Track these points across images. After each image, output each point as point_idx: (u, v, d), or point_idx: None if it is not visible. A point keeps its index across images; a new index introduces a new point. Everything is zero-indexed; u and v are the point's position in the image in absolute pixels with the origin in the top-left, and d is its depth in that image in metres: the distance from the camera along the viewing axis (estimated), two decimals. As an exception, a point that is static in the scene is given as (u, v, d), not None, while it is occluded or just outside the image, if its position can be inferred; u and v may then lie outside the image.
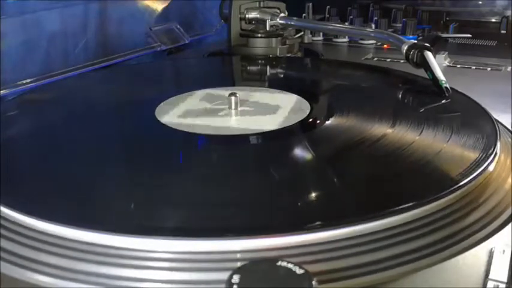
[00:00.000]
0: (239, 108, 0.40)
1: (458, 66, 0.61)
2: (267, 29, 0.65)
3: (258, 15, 0.66)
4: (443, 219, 0.25)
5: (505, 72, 0.58)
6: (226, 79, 0.57)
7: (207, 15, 0.85)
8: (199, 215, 0.26)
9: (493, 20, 0.91)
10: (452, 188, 0.27)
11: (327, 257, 0.22)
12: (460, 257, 0.23)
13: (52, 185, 0.29)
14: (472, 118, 0.37)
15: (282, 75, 0.58)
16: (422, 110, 0.40)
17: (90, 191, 0.29)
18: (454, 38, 0.77)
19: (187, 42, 0.77)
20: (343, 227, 0.24)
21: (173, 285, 0.21)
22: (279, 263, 0.19)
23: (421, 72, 0.47)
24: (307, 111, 0.39)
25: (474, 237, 0.24)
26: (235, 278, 0.18)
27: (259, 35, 0.64)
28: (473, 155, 0.31)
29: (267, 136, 0.35)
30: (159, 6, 0.75)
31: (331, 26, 0.70)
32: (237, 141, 0.35)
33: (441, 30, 0.82)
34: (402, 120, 0.36)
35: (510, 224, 0.25)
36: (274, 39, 0.64)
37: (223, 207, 0.26)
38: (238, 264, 0.19)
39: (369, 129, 0.35)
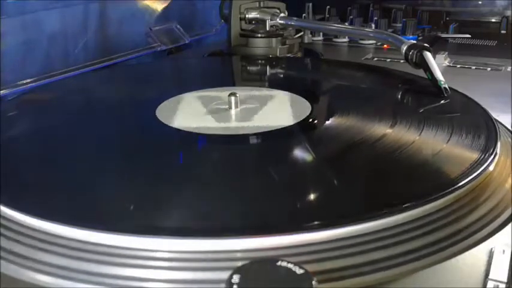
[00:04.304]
0: (239, 108, 0.40)
1: (458, 66, 0.61)
2: (267, 29, 0.65)
3: (258, 15, 0.66)
4: (443, 219, 0.25)
5: (505, 72, 0.58)
6: (226, 79, 0.57)
7: (207, 16, 0.85)
8: (199, 215, 0.26)
9: (493, 20, 0.91)
10: (452, 188, 0.27)
11: (327, 257, 0.22)
12: (460, 257, 0.23)
13: (52, 185, 0.30)
14: (472, 118, 0.37)
15: (282, 75, 0.58)
16: (422, 110, 0.40)
17: (91, 190, 0.29)
18: (454, 38, 0.77)
19: (187, 42, 0.77)
20: (343, 227, 0.24)
21: (173, 285, 0.21)
22: (279, 263, 0.19)
23: (421, 73, 0.47)
24: (308, 111, 0.39)
25: (474, 237, 0.24)
26: (235, 278, 0.18)
27: (259, 35, 0.64)
28: (473, 155, 0.31)
29: (267, 136, 0.35)
30: (159, 6, 0.75)
31: (331, 26, 0.70)
32: (237, 141, 0.35)
33: (441, 30, 0.82)
34: (402, 120, 0.36)
35: (510, 224, 0.25)
36: (274, 39, 0.64)
37: (223, 207, 0.26)
38: (238, 264, 0.19)
39: (369, 129, 0.35)
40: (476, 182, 0.28)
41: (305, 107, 0.40)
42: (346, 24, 0.79)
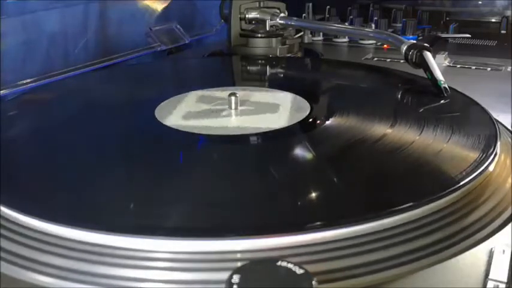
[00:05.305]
0: (239, 108, 0.40)
1: (458, 66, 0.61)
2: (267, 29, 0.65)
3: (258, 15, 0.66)
4: (443, 219, 0.25)
5: (505, 72, 0.58)
6: (226, 79, 0.57)
7: (207, 15, 0.85)
8: (199, 215, 0.26)
9: (493, 20, 0.91)
10: (452, 188, 0.27)
11: (327, 257, 0.22)
12: (460, 257, 0.23)
13: (52, 185, 0.30)
14: (472, 118, 0.37)
15: (282, 75, 0.58)
16: (422, 110, 0.40)
17: (90, 191, 0.29)
18: (454, 38, 0.77)
19: (187, 42, 0.77)
20: (343, 227, 0.24)
21: (173, 285, 0.21)
22: (279, 263, 0.19)
23: (421, 73, 0.47)
24: (307, 111, 0.39)
25: (474, 237, 0.24)
26: (235, 278, 0.18)
27: (259, 35, 0.64)
28: (473, 155, 0.31)
29: (266, 136, 0.35)
30: (159, 6, 0.75)
31: (331, 26, 0.70)
32: (237, 141, 0.35)
33: (441, 30, 0.82)
34: (402, 120, 0.36)
35: (510, 224, 0.25)
36: (274, 39, 0.64)
37: (223, 207, 0.26)
38: (238, 264, 0.19)
39: (369, 129, 0.35)
40: (476, 182, 0.28)
41: (305, 107, 0.40)
42: (346, 24, 0.79)
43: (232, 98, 0.40)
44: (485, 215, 0.26)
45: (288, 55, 0.65)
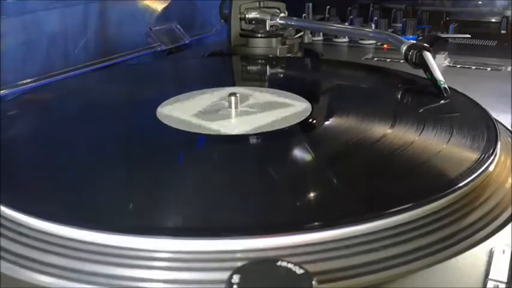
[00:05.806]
0: (239, 108, 0.40)
1: (458, 66, 0.61)
2: (267, 29, 0.65)
3: (258, 15, 0.66)
4: (443, 219, 0.25)
5: (505, 72, 0.58)
6: (226, 79, 0.57)
7: (207, 16, 0.85)
8: (199, 215, 0.26)
9: (493, 20, 0.91)
10: (453, 188, 0.27)
11: (327, 257, 0.22)
12: (460, 257, 0.23)
13: (52, 185, 0.30)
14: (472, 118, 0.37)
15: (282, 75, 0.58)
16: (422, 110, 0.40)
17: (91, 190, 0.29)
18: (454, 38, 0.77)
19: (187, 42, 0.77)
20: (343, 227, 0.24)
21: (173, 285, 0.21)
22: (279, 263, 0.19)
23: (421, 73, 0.47)
24: (308, 112, 0.39)
25: (474, 237, 0.24)
26: (235, 278, 0.18)
27: (259, 35, 0.64)
28: (473, 155, 0.31)
29: (267, 136, 0.35)
30: (159, 6, 0.75)
31: (331, 26, 0.70)
32: (237, 142, 0.35)
33: (441, 30, 0.82)
34: (402, 120, 0.36)
35: (510, 224, 0.25)
36: (274, 39, 0.64)
37: (223, 207, 0.26)
38: (238, 264, 0.19)
39: (369, 130, 0.35)
40: (476, 182, 0.28)
41: (305, 107, 0.40)
42: (346, 24, 0.79)
43: (232, 98, 0.40)
44: (485, 215, 0.26)
45: (288, 55, 0.65)
